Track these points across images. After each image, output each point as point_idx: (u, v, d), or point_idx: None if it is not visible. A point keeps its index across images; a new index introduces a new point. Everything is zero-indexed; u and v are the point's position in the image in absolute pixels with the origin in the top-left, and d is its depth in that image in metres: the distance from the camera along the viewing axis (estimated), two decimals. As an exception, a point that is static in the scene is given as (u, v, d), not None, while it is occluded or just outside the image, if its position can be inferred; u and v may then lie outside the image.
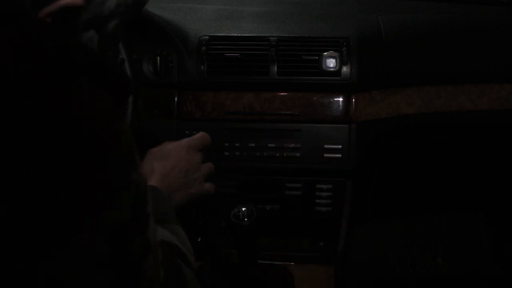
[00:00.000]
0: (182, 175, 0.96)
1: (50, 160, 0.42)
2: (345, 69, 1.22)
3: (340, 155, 1.23)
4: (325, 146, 1.24)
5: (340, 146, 1.23)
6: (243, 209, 1.03)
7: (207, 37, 1.26)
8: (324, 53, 1.22)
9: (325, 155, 1.24)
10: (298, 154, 1.24)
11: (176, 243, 0.71)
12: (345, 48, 1.22)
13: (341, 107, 1.24)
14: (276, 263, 1.30)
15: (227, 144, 1.25)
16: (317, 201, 1.27)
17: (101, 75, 0.48)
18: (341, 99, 1.24)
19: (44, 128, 0.42)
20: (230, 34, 1.28)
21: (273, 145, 1.25)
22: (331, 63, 1.21)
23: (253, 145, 1.25)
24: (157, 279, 0.54)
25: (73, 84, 0.45)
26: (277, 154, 1.24)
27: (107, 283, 0.47)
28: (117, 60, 0.85)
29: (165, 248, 0.61)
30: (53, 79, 0.43)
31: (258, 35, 1.27)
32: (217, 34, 1.27)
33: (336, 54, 1.22)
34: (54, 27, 0.47)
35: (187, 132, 1.25)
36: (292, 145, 1.24)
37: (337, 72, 1.22)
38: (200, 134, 1.04)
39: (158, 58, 1.25)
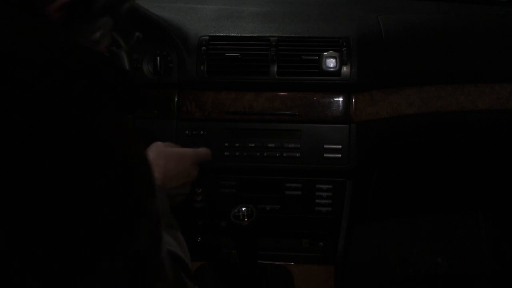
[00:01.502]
0: (180, 185, 0.97)
1: (75, 184, 0.42)
2: (345, 69, 1.22)
3: (340, 155, 1.23)
4: (325, 146, 1.24)
5: (340, 146, 1.23)
6: (243, 209, 1.03)
7: (207, 37, 1.26)
8: (324, 53, 1.22)
9: (325, 155, 1.24)
10: (298, 154, 1.24)
11: (179, 253, 0.71)
12: (345, 48, 1.22)
13: (341, 107, 1.24)
14: (276, 263, 1.30)
15: (227, 144, 1.25)
16: (317, 201, 1.27)
17: (117, 82, 0.48)
18: (341, 99, 1.24)
19: (69, 154, 0.42)
20: (230, 34, 1.28)
21: (273, 145, 1.25)
22: (331, 63, 1.21)
23: (253, 145, 1.25)
24: None
25: (101, 109, 0.45)
26: (277, 154, 1.24)
27: None
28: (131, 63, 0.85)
29: (172, 261, 0.61)
30: (81, 104, 0.43)
31: (258, 35, 1.27)
32: (217, 34, 1.27)
33: (336, 54, 1.22)
34: (67, 23, 0.47)
35: (187, 132, 1.25)
36: (292, 145, 1.24)
37: (337, 72, 1.22)
38: (206, 150, 1.07)
39: (158, 58, 1.25)
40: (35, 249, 0.42)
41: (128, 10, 0.56)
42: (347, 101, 1.24)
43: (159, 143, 1.00)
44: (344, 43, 1.23)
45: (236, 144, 1.25)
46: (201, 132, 1.25)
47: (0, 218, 0.41)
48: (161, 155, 0.96)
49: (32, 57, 0.43)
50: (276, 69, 1.23)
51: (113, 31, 0.56)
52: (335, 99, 1.24)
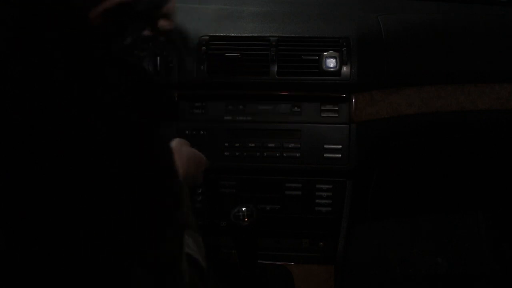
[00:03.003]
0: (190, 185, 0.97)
1: (118, 196, 0.43)
2: (345, 69, 1.22)
3: (340, 155, 1.23)
4: (325, 146, 1.24)
5: (340, 146, 1.23)
6: (243, 209, 1.03)
7: (207, 37, 1.26)
8: (324, 53, 1.22)
9: (325, 155, 1.24)
10: (298, 154, 1.24)
11: (198, 258, 0.71)
12: (345, 48, 1.22)
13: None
14: (276, 263, 1.30)
15: (227, 144, 1.25)
16: (317, 201, 1.27)
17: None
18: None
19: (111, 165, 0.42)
20: (230, 34, 1.28)
21: (273, 145, 1.25)
22: (331, 63, 1.21)
23: (253, 145, 1.25)
24: None
25: (146, 122, 0.45)
26: (277, 154, 1.24)
27: None
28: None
29: (190, 267, 0.61)
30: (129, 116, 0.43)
31: (258, 35, 1.27)
32: (217, 34, 1.27)
33: (336, 54, 1.22)
34: (106, 29, 0.47)
35: (187, 132, 1.25)
36: (292, 145, 1.24)
37: (337, 72, 1.22)
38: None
39: (158, 58, 1.25)
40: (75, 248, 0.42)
41: (163, 16, 0.55)
42: (347, 101, 1.24)
43: (179, 140, 1.00)
44: (344, 43, 1.23)
45: (236, 144, 1.25)
46: (201, 132, 1.25)
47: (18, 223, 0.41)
48: (183, 156, 0.96)
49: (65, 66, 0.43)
50: (276, 69, 1.23)
51: (141, 36, 0.56)
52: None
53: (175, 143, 1.00)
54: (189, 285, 0.57)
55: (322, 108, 1.25)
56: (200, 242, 0.78)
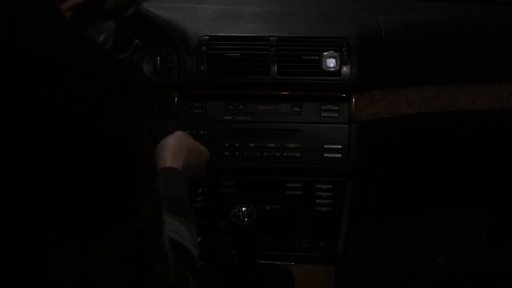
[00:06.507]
0: (193, 176, 1.04)
1: (86, 170, 0.44)
2: (345, 69, 1.22)
3: (340, 155, 1.23)
4: (325, 146, 1.24)
5: (340, 146, 1.23)
6: (243, 209, 1.03)
7: (207, 37, 1.26)
8: (324, 53, 1.22)
9: (325, 155, 1.24)
10: (298, 154, 1.24)
11: (189, 247, 0.72)
12: (345, 48, 1.22)
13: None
14: (276, 263, 1.30)
15: (227, 144, 1.25)
16: (317, 201, 1.27)
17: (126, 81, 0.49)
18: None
19: (81, 140, 0.43)
20: (230, 34, 1.28)
21: (273, 145, 1.25)
22: (331, 63, 1.21)
23: (253, 145, 1.25)
24: (166, 284, 0.55)
25: (108, 96, 0.45)
26: (277, 154, 1.24)
27: (125, 283, 0.48)
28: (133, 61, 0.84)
29: (175, 251, 0.62)
30: (90, 94, 0.44)
31: (258, 35, 1.27)
32: (217, 34, 1.27)
33: (336, 54, 1.22)
34: (75, 24, 0.48)
35: (187, 132, 1.25)
36: (292, 145, 1.24)
37: (337, 72, 1.22)
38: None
39: (158, 58, 1.25)
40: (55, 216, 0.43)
41: (132, 15, 0.56)
42: (347, 101, 1.24)
43: (180, 132, 1.05)
44: (344, 43, 1.23)
45: (236, 144, 1.25)
46: (201, 132, 1.25)
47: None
48: (183, 146, 1.00)
49: (77, 65, 0.44)
50: (276, 69, 1.23)
51: (115, 35, 0.57)
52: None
53: (176, 134, 1.02)
54: (174, 269, 0.58)
55: (322, 108, 1.25)
56: (194, 231, 0.79)
